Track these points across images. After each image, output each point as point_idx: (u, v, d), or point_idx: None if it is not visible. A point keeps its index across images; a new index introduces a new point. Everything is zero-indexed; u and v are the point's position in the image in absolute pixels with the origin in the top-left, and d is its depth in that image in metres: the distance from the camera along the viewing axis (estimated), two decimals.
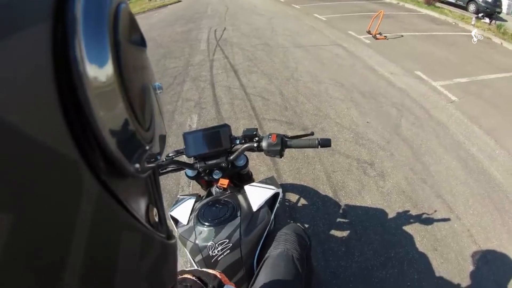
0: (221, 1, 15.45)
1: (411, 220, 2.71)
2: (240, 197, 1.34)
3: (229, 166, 1.42)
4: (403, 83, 5.30)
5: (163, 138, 0.37)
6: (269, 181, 1.48)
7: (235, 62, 6.16)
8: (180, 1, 18.53)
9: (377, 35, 7.75)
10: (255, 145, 1.31)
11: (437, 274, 2.30)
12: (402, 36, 8.05)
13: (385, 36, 7.77)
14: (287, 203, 2.78)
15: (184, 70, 6.05)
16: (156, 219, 0.35)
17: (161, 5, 18.05)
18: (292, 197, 2.85)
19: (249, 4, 13.86)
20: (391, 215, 2.75)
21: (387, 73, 5.66)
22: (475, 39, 7.82)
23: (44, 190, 0.17)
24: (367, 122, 4.09)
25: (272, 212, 1.39)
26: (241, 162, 1.49)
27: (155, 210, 0.35)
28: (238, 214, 1.23)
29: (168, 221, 1.42)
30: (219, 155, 1.39)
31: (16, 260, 0.16)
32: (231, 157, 1.38)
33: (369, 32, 7.94)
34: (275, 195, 1.44)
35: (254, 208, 1.29)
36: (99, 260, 0.23)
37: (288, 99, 4.59)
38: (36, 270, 0.17)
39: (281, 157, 1.31)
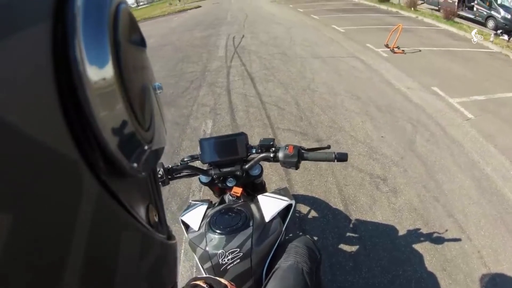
0: (241, 9, 15.64)
1: (422, 239, 2.67)
2: (253, 207, 1.34)
3: (244, 174, 1.42)
4: (420, 98, 5.27)
5: (163, 138, 0.37)
6: (282, 192, 1.47)
7: (252, 70, 6.23)
8: (200, 6, 18.79)
9: (395, 48, 7.72)
10: (272, 155, 1.32)
11: None
12: (420, 50, 7.99)
13: (403, 50, 7.73)
14: (297, 214, 2.79)
15: (201, 75, 6.14)
16: (156, 219, 0.35)
17: (181, 10, 18.35)
18: (303, 208, 2.86)
19: (268, 13, 14.00)
20: (402, 232, 2.72)
21: (403, 88, 5.64)
22: (475, 39, 7.71)
23: (44, 190, 0.18)
24: (382, 136, 4.08)
25: (284, 223, 1.37)
26: (256, 172, 1.49)
27: (155, 210, 0.36)
28: (251, 223, 1.22)
29: (178, 225, 1.44)
30: (234, 163, 1.40)
31: (16, 260, 0.16)
32: (246, 166, 1.39)
33: (387, 46, 7.92)
34: (288, 207, 1.43)
35: (267, 219, 1.28)
36: (99, 260, 0.23)
37: (303, 110, 4.62)
38: (36, 270, 0.17)
39: (296, 169, 1.31)
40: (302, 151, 1.29)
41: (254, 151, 1.41)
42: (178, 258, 2.39)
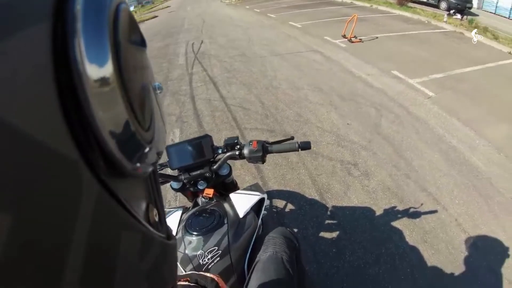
0: (198, 14, 15.60)
1: (399, 215, 2.74)
2: (226, 205, 1.35)
3: (213, 175, 1.43)
4: (381, 83, 5.40)
5: (163, 138, 0.37)
6: (253, 187, 1.50)
7: (213, 74, 6.18)
8: (157, 16, 18.65)
9: (352, 38, 7.88)
10: (237, 153, 1.34)
11: (429, 265, 2.33)
12: (377, 37, 8.21)
13: (360, 39, 7.91)
14: (274, 210, 2.78)
15: (163, 85, 6.01)
16: (156, 218, 0.35)
17: (138, 21, 18.16)
18: (279, 203, 2.85)
19: (225, 16, 14.02)
20: (379, 212, 2.78)
21: (364, 75, 5.76)
22: (475, 39, 8.00)
23: (44, 190, 0.17)
24: (348, 123, 4.13)
25: (258, 217, 1.39)
26: (224, 171, 1.51)
27: (155, 210, 0.35)
28: (225, 221, 1.24)
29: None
30: (203, 166, 1.40)
31: (16, 260, 0.16)
32: (215, 167, 1.40)
33: (344, 36, 8.08)
34: (261, 201, 1.45)
35: (241, 215, 1.30)
36: (99, 260, 0.23)
37: (268, 107, 4.62)
38: (36, 270, 0.17)
39: (263, 163, 1.34)
40: (266, 144, 1.32)
41: (220, 151, 1.42)
42: None
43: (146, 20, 17.83)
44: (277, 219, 2.69)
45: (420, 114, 4.37)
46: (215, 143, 1.44)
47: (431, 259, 2.36)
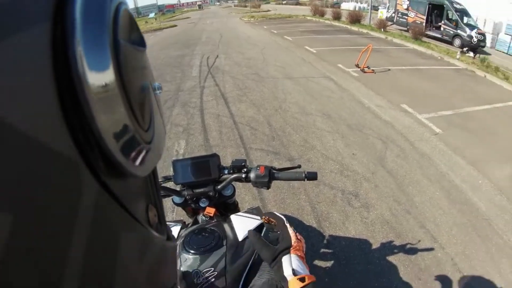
0: (217, 29, 15.83)
1: (395, 250, 2.71)
2: (226, 226, 1.34)
3: (216, 195, 1.43)
4: (389, 115, 5.42)
5: (163, 138, 0.37)
6: (255, 211, 1.47)
7: (225, 90, 6.26)
8: (176, 25, 18.92)
9: (365, 68, 7.94)
10: (243, 176, 1.34)
11: None
12: (390, 70, 8.26)
13: (373, 70, 7.96)
14: None
15: (174, 95, 6.12)
16: (156, 219, 0.35)
17: (157, 28, 18.48)
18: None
19: (243, 33, 14.23)
20: (375, 245, 2.75)
21: (373, 106, 5.79)
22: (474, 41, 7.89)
23: (45, 191, 0.18)
24: (353, 154, 4.15)
25: None
26: (228, 192, 1.50)
27: (154, 210, 0.35)
28: (224, 243, 1.22)
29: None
30: (207, 184, 1.40)
31: (16, 260, 0.16)
32: (219, 187, 1.40)
33: (357, 66, 8.15)
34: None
35: (240, 238, 1.28)
36: (99, 260, 0.23)
37: (275, 130, 4.66)
38: (36, 270, 0.17)
39: (268, 189, 1.34)
40: (273, 171, 1.32)
41: (226, 171, 1.43)
42: None
43: (165, 28, 18.11)
44: None
45: (426, 150, 4.36)
46: (221, 162, 1.45)
47: None
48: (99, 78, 0.21)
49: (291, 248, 0.96)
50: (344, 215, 3.06)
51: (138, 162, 0.27)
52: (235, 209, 1.67)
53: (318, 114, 5.29)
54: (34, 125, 0.17)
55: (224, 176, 1.43)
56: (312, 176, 1.29)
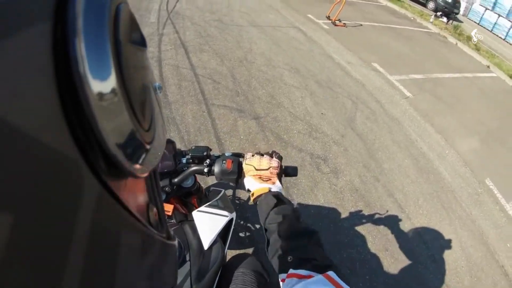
0: None
1: (364, 220, 2.67)
2: (187, 230, 1.12)
3: (174, 188, 1.14)
4: (360, 74, 5.25)
5: (164, 138, 0.37)
6: (221, 203, 1.24)
7: (186, 39, 5.67)
8: None
9: (336, 21, 7.62)
10: (205, 170, 1.04)
11: (388, 274, 2.34)
12: (361, 25, 8.04)
13: (344, 23, 7.68)
14: (237, 201, 2.54)
15: None
16: (156, 218, 0.36)
17: None
18: (243, 194, 2.59)
19: None
20: (344, 214, 2.66)
21: (344, 62, 5.57)
22: (475, 39, 8.03)
23: (45, 191, 0.17)
24: (322, 113, 3.92)
25: (225, 243, 1.22)
26: (188, 183, 1.26)
27: (155, 209, 0.36)
28: (187, 257, 1.03)
29: None
30: (161, 177, 1.11)
31: (17, 260, 0.15)
32: (176, 180, 1.10)
33: (328, 18, 7.78)
34: (229, 222, 1.23)
35: (206, 246, 1.08)
36: (99, 260, 0.23)
37: (240, 83, 4.25)
38: (36, 270, 0.17)
39: (236, 184, 1.04)
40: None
41: (184, 161, 1.13)
42: None
43: None
44: (240, 212, 2.42)
45: (396, 114, 4.30)
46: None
47: (389, 268, 2.38)
48: (100, 78, 0.20)
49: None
50: (313, 181, 2.88)
51: (139, 162, 0.26)
52: (198, 192, 1.40)
53: (285, 67, 4.94)
54: (34, 125, 0.17)
55: (182, 165, 1.12)
56: (291, 172, 1.06)
